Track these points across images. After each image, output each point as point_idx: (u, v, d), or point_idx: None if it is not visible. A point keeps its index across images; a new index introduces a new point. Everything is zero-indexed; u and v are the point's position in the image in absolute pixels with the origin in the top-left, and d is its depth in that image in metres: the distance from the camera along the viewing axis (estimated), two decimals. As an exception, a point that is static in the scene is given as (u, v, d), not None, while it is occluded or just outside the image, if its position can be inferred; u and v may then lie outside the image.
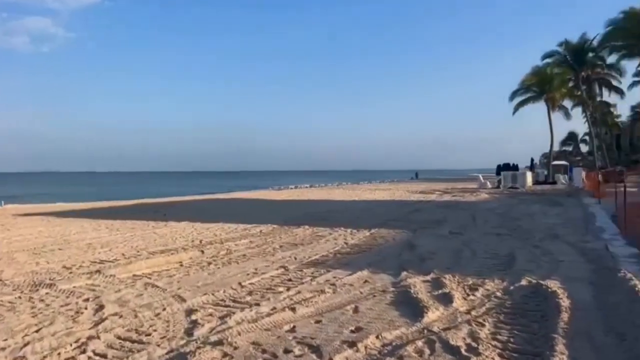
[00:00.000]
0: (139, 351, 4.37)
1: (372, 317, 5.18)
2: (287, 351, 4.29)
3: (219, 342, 4.50)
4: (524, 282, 6.37)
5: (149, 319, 5.34)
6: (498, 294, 5.96)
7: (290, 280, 7.13)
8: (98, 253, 9.99)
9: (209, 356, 4.18)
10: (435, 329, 4.71)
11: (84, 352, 4.41)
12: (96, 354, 4.37)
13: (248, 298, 6.14)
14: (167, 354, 4.30)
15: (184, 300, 6.11)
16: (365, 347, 4.28)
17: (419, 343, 4.34)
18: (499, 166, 58.84)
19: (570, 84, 49.80)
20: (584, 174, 35.76)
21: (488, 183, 36.46)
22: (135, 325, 5.16)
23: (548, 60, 48.90)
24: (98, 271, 7.99)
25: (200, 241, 11.36)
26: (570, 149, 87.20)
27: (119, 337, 4.80)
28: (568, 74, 47.98)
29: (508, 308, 5.34)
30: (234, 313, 5.42)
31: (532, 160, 54.12)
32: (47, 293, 6.67)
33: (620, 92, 53.09)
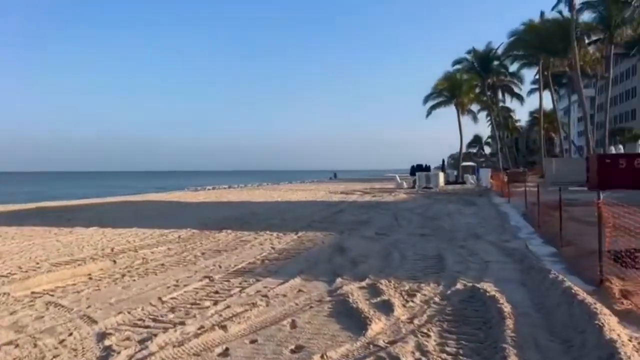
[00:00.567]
0: (38, 392, 3.63)
1: (312, 333, 4.78)
2: (221, 380, 3.76)
3: (140, 374, 3.87)
4: (459, 286, 6.30)
5: (52, 348, 4.53)
6: (436, 299, 5.82)
7: (216, 292, 6.54)
8: (-12, 267, 8.67)
9: (128, 393, 3.55)
10: (381, 342, 4.41)
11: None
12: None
13: (171, 316, 5.49)
14: (75, 393, 3.60)
15: (94, 321, 5.32)
16: (310, 369, 3.87)
17: (367, 361, 4.02)
18: (413, 167, 61.19)
19: (477, 90, 53.02)
20: (490, 174, 38.08)
21: (404, 183, 37.64)
22: (35, 356, 4.35)
23: (458, 66, 51.68)
24: (-13, 289, 6.86)
25: (112, 249, 10.31)
26: (475, 150, 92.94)
27: (13, 374, 3.99)
28: (476, 80, 51.03)
29: (449, 315, 5.19)
30: (155, 335, 4.76)
31: (443, 161, 56.93)
32: None
33: (520, 98, 57.41)
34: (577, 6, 35.06)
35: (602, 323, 3.88)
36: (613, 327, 3.86)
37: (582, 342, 3.88)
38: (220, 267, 8.28)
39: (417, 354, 4.12)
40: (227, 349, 4.41)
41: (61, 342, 4.70)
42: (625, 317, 4.61)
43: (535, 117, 66.24)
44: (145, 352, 4.33)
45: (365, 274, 7.19)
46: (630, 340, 3.74)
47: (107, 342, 4.62)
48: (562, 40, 38.46)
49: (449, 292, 6.09)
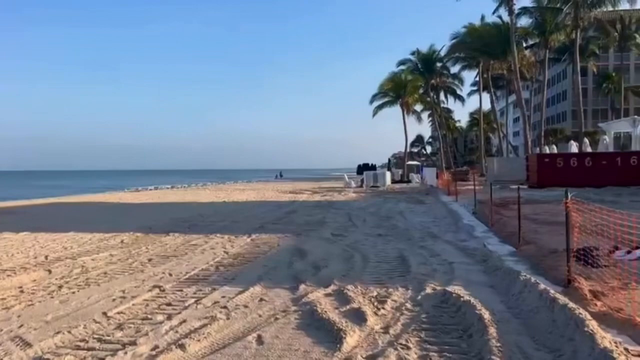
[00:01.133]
0: None
1: (282, 349, 4.35)
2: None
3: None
4: (429, 290, 6.07)
5: (-25, 381, 3.84)
6: (408, 305, 5.54)
7: (169, 304, 5.95)
8: None
9: None
10: (359, 358, 4.05)
11: None
12: None
13: (119, 334, 4.86)
14: None
15: (28, 344, 4.62)
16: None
17: (347, 380, 3.65)
18: (359, 166, 61.78)
19: (421, 91, 54.17)
20: (435, 173, 38.96)
21: (353, 182, 37.74)
22: (-47, 393, 3.66)
23: (402, 67, 52.55)
24: None
25: (46, 257, 9.36)
26: (417, 150, 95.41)
27: None
28: (419, 81, 52.08)
29: (425, 323, 4.91)
30: (102, 359, 4.16)
31: (389, 160, 57.84)
32: None
33: (462, 99, 59.30)
34: (516, 11, 36.42)
35: (593, 330, 3.71)
36: (604, 334, 3.71)
37: (573, 352, 3.70)
38: (170, 274, 7.64)
39: (401, 370, 3.80)
40: (188, 373, 3.90)
41: (-13, 372, 4.00)
42: (603, 320, 4.51)
43: (475, 117, 68.81)
44: (91, 382, 3.74)
45: (329, 279, 6.83)
46: (628, 352, 3.59)
47: (44, 371, 3.97)
48: (502, 44, 39.94)
49: (419, 297, 5.83)
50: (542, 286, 5.14)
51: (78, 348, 4.51)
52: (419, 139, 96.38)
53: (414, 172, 47.60)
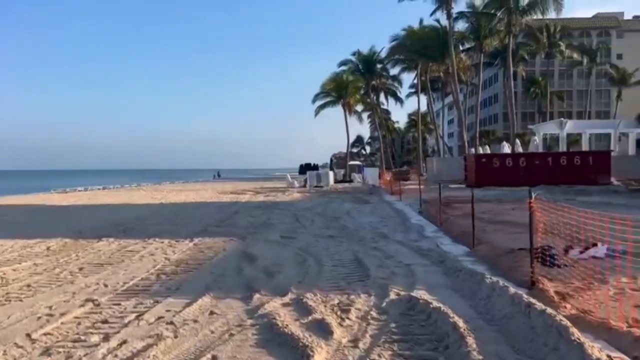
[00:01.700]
0: None
1: (242, 372, 3.83)
2: None
3: None
4: (393, 296, 5.74)
5: None
6: (373, 313, 5.17)
7: (105, 321, 5.23)
8: None
9: None
10: (332, 380, 3.62)
11: None
12: None
13: (45, 362, 4.14)
14: None
15: None
16: None
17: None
18: (301, 166, 61.51)
19: (362, 91, 54.65)
20: (377, 173, 39.36)
21: (296, 182, 37.31)
22: None
23: (344, 67, 52.73)
24: None
25: (-44, 269, 8.20)
26: (357, 150, 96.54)
27: None
28: (360, 82, 52.46)
29: (395, 334, 4.55)
30: (24, 396, 3.46)
31: (331, 160, 57.99)
32: None
33: (401, 101, 60.43)
34: (454, 15, 37.49)
35: (580, 339, 3.49)
36: (592, 344, 3.50)
37: (560, 361, 3.46)
38: (105, 285, 6.85)
39: (380, 392, 3.40)
40: (132, 409, 3.30)
41: None
42: (575, 324, 4.33)
43: (413, 119, 70.45)
44: None
45: (285, 287, 6.35)
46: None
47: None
48: (440, 47, 41.00)
49: (384, 304, 5.48)
50: (512, 290, 4.94)
51: (-7, 382, 3.76)
52: (359, 140, 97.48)
53: (356, 172, 47.95)
